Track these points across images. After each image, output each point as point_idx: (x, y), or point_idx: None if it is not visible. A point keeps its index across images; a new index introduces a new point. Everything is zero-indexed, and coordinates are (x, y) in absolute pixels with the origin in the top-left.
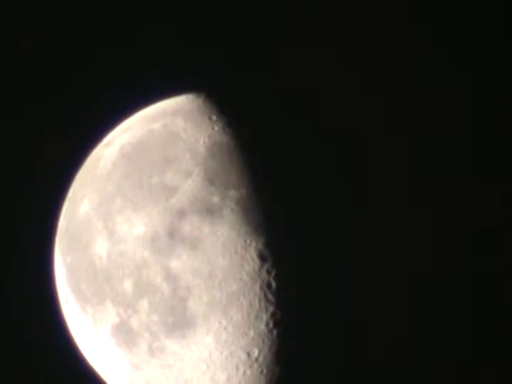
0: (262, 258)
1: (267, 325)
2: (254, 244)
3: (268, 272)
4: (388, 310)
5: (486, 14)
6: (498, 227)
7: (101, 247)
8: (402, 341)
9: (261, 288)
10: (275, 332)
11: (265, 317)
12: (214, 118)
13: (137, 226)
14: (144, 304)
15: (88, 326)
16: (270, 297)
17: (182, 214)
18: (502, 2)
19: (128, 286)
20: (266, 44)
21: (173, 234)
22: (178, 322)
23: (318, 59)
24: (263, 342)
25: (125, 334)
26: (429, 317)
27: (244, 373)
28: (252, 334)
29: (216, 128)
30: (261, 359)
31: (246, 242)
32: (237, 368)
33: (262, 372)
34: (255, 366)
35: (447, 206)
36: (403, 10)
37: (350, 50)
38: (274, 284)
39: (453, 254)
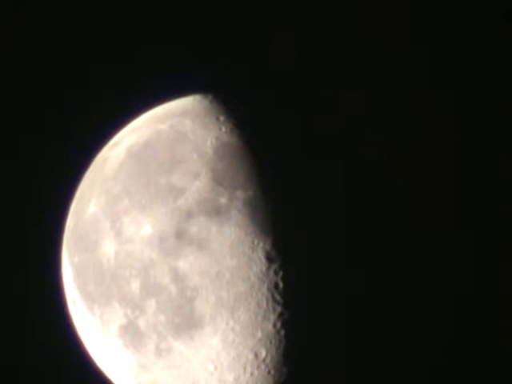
0: (270, 258)
1: (275, 325)
2: (261, 245)
3: (275, 273)
4: (393, 309)
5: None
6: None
7: (108, 248)
8: (403, 343)
9: (268, 289)
10: (283, 332)
11: (272, 317)
12: (222, 118)
13: (144, 227)
14: (151, 304)
15: (95, 327)
16: (278, 297)
17: (189, 214)
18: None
19: (135, 286)
20: (274, 45)
21: (180, 235)
22: (186, 322)
23: (321, 59)
24: (271, 342)
25: (132, 334)
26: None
27: (251, 373)
28: (259, 334)
29: (223, 129)
30: (268, 360)
31: (253, 242)
32: (244, 369)
33: (269, 373)
34: (263, 366)
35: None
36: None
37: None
38: (281, 285)
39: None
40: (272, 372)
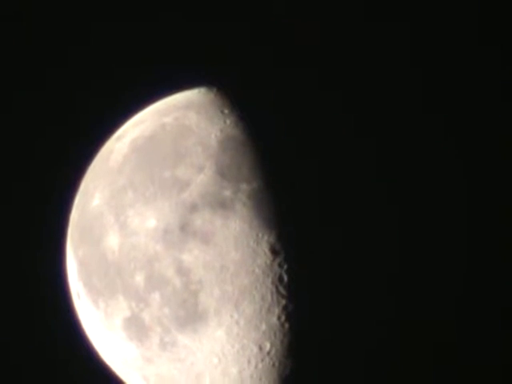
0: (274, 251)
1: (279, 318)
2: (265, 238)
3: (280, 265)
4: (396, 304)
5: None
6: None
7: (112, 241)
8: (406, 336)
9: (273, 282)
10: (287, 325)
11: (277, 310)
12: (226, 111)
13: (149, 220)
14: (156, 297)
15: (100, 320)
16: (282, 290)
17: (193, 207)
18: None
19: (140, 279)
20: (280, 38)
21: (185, 228)
22: (190, 315)
23: (324, 57)
24: (275, 335)
25: (136, 327)
26: None
27: (256, 366)
28: (264, 327)
29: (228, 122)
30: (273, 353)
31: (257, 235)
32: (248, 361)
33: (273, 365)
34: (267, 359)
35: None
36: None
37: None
38: (285, 277)
39: None
40: (276, 365)
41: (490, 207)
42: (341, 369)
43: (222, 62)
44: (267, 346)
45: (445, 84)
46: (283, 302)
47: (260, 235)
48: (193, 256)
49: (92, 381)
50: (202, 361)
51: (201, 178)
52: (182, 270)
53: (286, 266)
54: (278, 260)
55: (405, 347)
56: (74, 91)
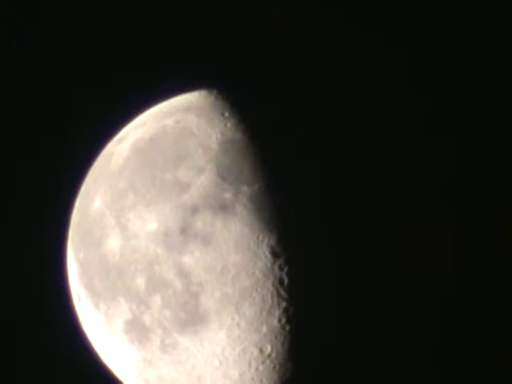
0: (275, 254)
1: (280, 321)
2: (266, 240)
3: (280, 268)
4: (395, 305)
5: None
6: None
7: (113, 243)
8: (405, 338)
9: (273, 284)
10: (288, 328)
11: (277, 313)
12: (227, 114)
13: (149, 222)
14: (157, 300)
15: (100, 322)
16: (283, 293)
17: (194, 210)
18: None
19: (141, 281)
20: (280, 39)
21: (185, 230)
22: (191, 317)
23: (325, 57)
24: (276, 337)
25: (137, 329)
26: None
27: (257, 369)
28: (265, 329)
29: (228, 124)
30: (273, 355)
31: (258, 238)
32: (249, 364)
33: (274, 368)
34: (268, 361)
35: None
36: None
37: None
38: (286, 280)
39: None
40: (277, 367)
41: (490, 207)
42: (341, 371)
43: (222, 64)
44: (268, 348)
45: (445, 84)
46: (284, 304)
47: (260, 238)
48: (193, 258)
49: (92, 383)
50: (202, 363)
51: (201, 180)
52: (183, 273)
53: (286, 269)
54: (278, 262)
55: (405, 350)
56: (75, 93)
